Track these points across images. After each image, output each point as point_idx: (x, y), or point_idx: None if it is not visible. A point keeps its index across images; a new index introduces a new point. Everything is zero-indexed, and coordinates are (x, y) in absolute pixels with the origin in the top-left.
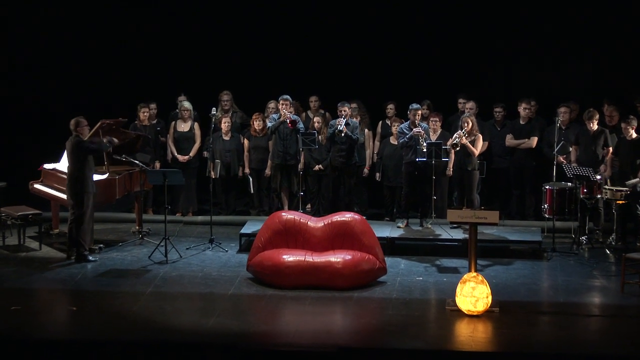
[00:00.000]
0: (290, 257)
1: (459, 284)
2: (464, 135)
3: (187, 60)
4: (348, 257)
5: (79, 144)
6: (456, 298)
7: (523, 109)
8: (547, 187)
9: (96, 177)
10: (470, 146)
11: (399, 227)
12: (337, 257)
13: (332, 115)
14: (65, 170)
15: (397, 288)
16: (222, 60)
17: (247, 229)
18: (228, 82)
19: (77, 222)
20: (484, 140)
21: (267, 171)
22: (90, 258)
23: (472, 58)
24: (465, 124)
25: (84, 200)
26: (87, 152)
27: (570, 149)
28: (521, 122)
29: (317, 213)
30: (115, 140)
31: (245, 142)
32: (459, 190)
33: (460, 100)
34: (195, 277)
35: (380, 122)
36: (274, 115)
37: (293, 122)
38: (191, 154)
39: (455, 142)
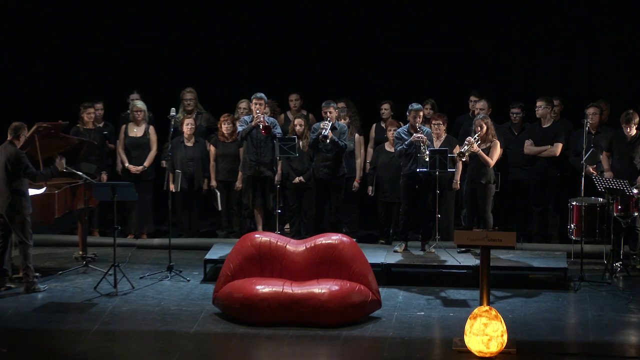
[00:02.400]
0: (265, 287)
1: (469, 320)
2: (476, 142)
3: (141, 52)
4: (335, 287)
5: (19, 159)
6: (465, 337)
7: (544, 109)
8: (574, 203)
9: (31, 191)
10: (484, 155)
11: (396, 251)
12: (321, 288)
13: (315, 117)
14: None
15: (394, 325)
16: (183, 51)
17: (213, 254)
18: (191, 78)
19: (23, 247)
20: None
21: (238, 184)
22: (42, 287)
23: (485, 48)
24: (479, 128)
25: (24, 221)
26: (22, 175)
27: (602, 157)
28: (543, 125)
29: (297, 234)
30: (60, 167)
31: (212, 149)
32: (470, 207)
33: (472, 99)
34: (150, 312)
35: (374, 125)
36: (246, 118)
37: (267, 128)
38: (145, 163)
39: (462, 150)
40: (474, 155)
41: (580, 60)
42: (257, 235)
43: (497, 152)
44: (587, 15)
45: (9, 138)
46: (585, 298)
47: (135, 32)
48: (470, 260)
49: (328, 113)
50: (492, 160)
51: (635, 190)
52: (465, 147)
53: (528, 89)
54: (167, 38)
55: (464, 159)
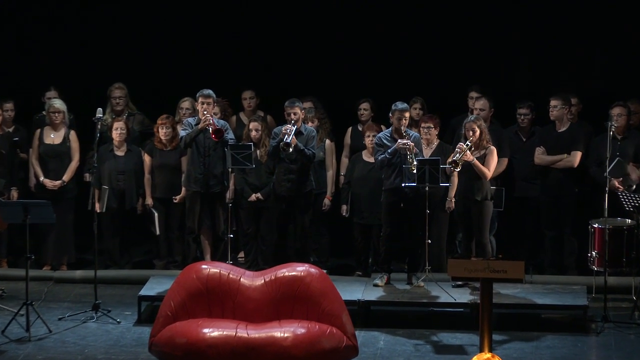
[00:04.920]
0: (214, 331)
1: None
2: (468, 149)
3: (60, 40)
4: (301, 330)
5: None
6: None
7: (559, 110)
8: (596, 225)
9: None
10: (480, 165)
11: (376, 285)
12: (284, 331)
13: (276, 119)
14: None
15: None
16: (111, 40)
17: (149, 290)
18: (121, 72)
19: None
20: (502, 156)
21: (179, 199)
22: None
23: (487, 36)
24: (470, 133)
25: None
26: None
27: (629, 168)
28: (558, 129)
29: (254, 265)
30: None
31: (147, 159)
32: (465, 230)
33: (472, 95)
34: None
35: (349, 129)
36: (190, 120)
37: (218, 132)
38: (65, 177)
39: (455, 159)
40: (466, 167)
41: (603, 50)
42: (204, 266)
43: (494, 160)
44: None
45: None
46: (609, 343)
47: (51, 17)
48: (467, 296)
49: (292, 114)
50: (488, 172)
51: None
52: (457, 155)
53: (539, 84)
54: (92, 23)
55: (458, 169)
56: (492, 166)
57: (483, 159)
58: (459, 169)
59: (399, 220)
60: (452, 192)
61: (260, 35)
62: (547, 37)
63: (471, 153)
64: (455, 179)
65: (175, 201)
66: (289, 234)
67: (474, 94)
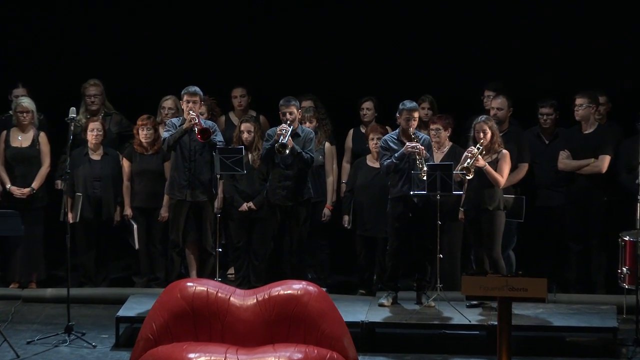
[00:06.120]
0: (201, 356)
1: None
2: (480, 153)
3: (28, 33)
4: (297, 355)
5: None
6: None
7: (585, 109)
8: (627, 238)
9: None
10: (492, 171)
11: (382, 305)
12: (278, 357)
13: (270, 120)
14: None
15: None
16: (85, 32)
17: (128, 310)
18: (97, 67)
19: None
20: (521, 161)
21: (163, 213)
22: None
23: (505, 27)
24: (481, 134)
25: None
26: None
27: None
28: (584, 130)
29: (245, 282)
30: None
31: (126, 164)
32: (475, 242)
33: (487, 94)
34: None
35: (351, 131)
36: (174, 120)
37: (204, 132)
38: (34, 184)
39: (466, 164)
40: (476, 173)
41: (635, 42)
42: (189, 284)
43: (507, 166)
44: None
45: None
46: None
47: (18, 6)
48: (483, 317)
49: (288, 114)
50: (502, 178)
51: None
52: (469, 160)
53: (563, 81)
54: (63, 13)
55: (470, 176)
56: (506, 172)
57: (495, 164)
58: (471, 176)
59: (407, 232)
60: (463, 201)
61: (252, 26)
62: (572, 27)
63: (483, 158)
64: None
65: (159, 219)
66: (284, 248)
67: (488, 92)
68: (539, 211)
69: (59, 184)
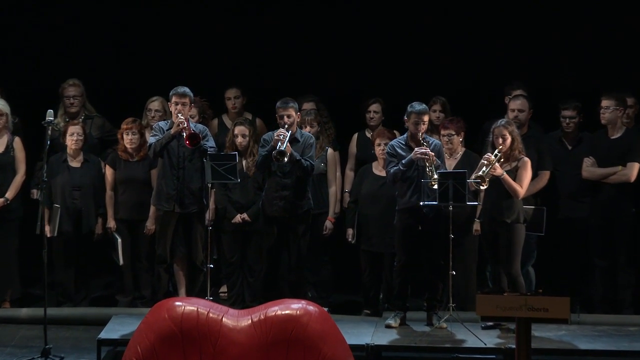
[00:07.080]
0: None
1: None
2: (497, 160)
3: (1, 29)
4: None
5: None
6: None
7: (612, 112)
8: None
9: None
10: (510, 180)
11: (389, 326)
12: None
13: (267, 124)
14: None
15: None
16: (64, 27)
17: (110, 332)
18: (76, 66)
19: None
20: (542, 169)
21: (149, 225)
22: None
23: (525, 23)
24: (500, 140)
25: None
26: None
27: None
28: (610, 135)
29: (239, 301)
30: None
31: (109, 171)
32: (492, 258)
33: (507, 94)
34: None
35: (356, 135)
36: (162, 124)
37: (193, 137)
38: (8, 194)
39: (481, 173)
40: (493, 182)
41: None
42: (177, 303)
43: (528, 175)
44: None
45: None
46: None
47: None
48: (500, 340)
49: (285, 118)
50: (521, 188)
51: None
52: (484, 168)
53: (588, 81)
54: (40, 9)
55: (485, 186)
56: (526, 182)
57: (514, 173)
58: (486, 186)
59: (416, 247)
60: (479, 212)
61: (247, 22)
62: (597, 23)
63: (500, 165)
64: (481, 197)
65: (145, 232)
66: (281, 264)
67: (509, 93)
68: (561, 223)
69: (35, 194)
